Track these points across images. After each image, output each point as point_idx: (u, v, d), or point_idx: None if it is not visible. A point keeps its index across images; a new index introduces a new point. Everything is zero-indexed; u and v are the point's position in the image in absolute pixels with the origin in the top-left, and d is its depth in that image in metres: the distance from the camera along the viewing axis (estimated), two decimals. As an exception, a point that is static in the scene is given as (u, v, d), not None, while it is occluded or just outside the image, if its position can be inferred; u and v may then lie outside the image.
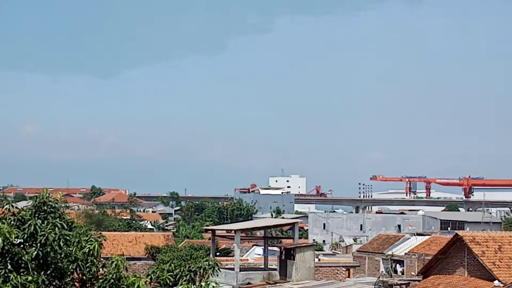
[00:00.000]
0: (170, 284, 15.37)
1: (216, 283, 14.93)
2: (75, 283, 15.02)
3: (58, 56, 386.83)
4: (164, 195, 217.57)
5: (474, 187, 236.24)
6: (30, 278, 13.74)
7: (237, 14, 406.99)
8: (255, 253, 62.86)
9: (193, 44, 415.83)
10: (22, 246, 14.47)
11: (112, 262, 14.62)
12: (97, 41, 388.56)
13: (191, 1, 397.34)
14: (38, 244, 14.13)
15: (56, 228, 14.26)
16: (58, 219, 14.64)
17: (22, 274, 13.87)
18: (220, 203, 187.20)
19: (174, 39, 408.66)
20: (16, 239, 14.26)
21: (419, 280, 44.16)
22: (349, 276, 51.98)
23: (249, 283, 35.22)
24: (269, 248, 42.80)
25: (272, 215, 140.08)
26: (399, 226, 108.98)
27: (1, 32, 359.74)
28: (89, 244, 14.86)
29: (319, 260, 52.20)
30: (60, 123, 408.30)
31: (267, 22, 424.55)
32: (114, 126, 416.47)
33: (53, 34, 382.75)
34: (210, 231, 44.45)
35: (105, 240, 15.48)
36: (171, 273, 15.46)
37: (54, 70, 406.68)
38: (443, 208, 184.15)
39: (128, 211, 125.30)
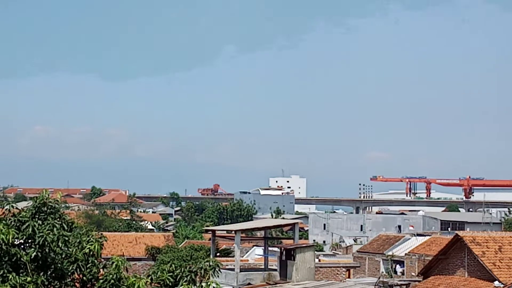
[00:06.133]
0: (171, 284, 15.36)
1: (217, 284, 14.93)
2: (76, 284, 15.01)
3: (67, 57, 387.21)
4: (164, 195, 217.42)
5: (474, 187, 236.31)
6: (29, 278, 13.72)
7: (251, 18, 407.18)
8: (255, 254, 62.76)
9: (194, 46, 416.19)
10: (22, 247, 14.46)
11: (113, 262, 14.61)
12: (106, 43, 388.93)
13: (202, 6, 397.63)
14: (37, 245, 14.12)
15: (55, 229, 14.23)
16: (58, 219, 14.62)
17: (21, 274, 13.87)
18: (220, 203, 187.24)
19: (179, 41, 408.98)
20: (16, 240, 14.26)
21: (419, 281, 44.15)
22: (349, 277, 51.93)
23: (249, 284, 35.21)
24: (269, 248, 42.79)
25: (272, 215, 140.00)
26: (399, 226, 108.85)
27: (12, 32, 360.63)
28: (89, 245, 14.85)
29: (319, 260, 52.12)
30: (64, 124, 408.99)
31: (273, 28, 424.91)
32: (115, 127, 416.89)
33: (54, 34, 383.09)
34: (210, 232, 44.43)
35: (106, 240, 15.46)
36: (172, 274, 15.45)
37: (61, 71, 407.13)
38: (443, 208, 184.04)
39: (128, 211, 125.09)
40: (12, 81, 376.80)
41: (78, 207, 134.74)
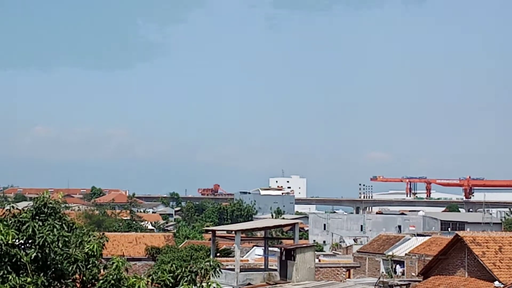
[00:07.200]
0: (171, 285, 15.36)
1: (217, 284, 14.92)
2: (76, 284, 15.00)
3: (67, 56, 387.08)
4: (164, 195, 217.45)
5: (475, 187, 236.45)
6: (29, 279, 13.71)
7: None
8: (256, 254, 62.74)
9: (193, 43, 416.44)
10: (23, 247, 14.45)
11: (113, 263, 14.61)
12: (106, 40, 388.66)
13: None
14: (37, 246, 14.10)
15: (55, 230, 14.22)
16: (58, 220, 14.60)
17: (21, 275, 13.86)
18: (220, 203, 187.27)
19: (176, 38, 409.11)
20: (16, 241, 14.24)
21: (419, 281, 44.16)
22: (349, 277, 51.94)
23: (249, 284, 35.20)
24: (270, 248, 42.74)
25: (272, 215, 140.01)
26: (399, 226, 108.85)
27: (10, 30, 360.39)
28: (89, 245, 14.84)
29: (319, 260, 52.12)
30: (64, 124, 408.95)
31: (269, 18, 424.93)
32: (115, 127, 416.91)
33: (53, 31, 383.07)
34: (210, 232, 44.41)
35: (107, 241, 15.46)
36: (172, 274, 15.45)
37: (61, 71, 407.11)
38: (443, 208, 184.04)
39: (128, 211, 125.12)
40: (12, 80, 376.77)
41: (78, 207, 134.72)
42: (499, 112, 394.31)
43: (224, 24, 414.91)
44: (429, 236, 67.19)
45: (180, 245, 73.41)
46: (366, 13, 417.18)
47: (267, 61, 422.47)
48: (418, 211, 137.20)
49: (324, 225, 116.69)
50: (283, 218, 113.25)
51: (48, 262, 14.32)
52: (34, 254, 14.04)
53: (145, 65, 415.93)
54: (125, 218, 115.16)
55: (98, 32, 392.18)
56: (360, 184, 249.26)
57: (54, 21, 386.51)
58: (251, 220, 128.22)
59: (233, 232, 38.26)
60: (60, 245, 14.20)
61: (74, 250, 14.71)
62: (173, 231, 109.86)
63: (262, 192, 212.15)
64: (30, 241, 14.29)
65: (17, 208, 14.91)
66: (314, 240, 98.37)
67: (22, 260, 13.99)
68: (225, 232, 46.36)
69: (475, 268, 38.74)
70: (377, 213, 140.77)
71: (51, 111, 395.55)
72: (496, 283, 36.59)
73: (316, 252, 45.81)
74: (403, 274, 57.64)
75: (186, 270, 15.49)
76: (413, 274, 53.82)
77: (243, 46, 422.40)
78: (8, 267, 13.84)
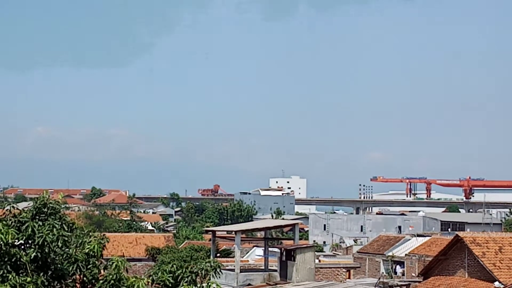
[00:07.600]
0: (171, 285, 15.36)
1: (218, 285, 14.91)
2: (76, 284, 15.01)
3: (66, 57, 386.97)
4: (165, 196, 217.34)
5: (475, 188, 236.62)
6: (29, 279, 13.72)
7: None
8: (256, 254, 62.74)
9: (193, 43, 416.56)
10: (23, 247, 14.46)
11: (113, 263, 14.61)
12: (105, 40, 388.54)
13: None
14: (37, 246, 14.11)
15: (55, 229, 14.22)
16: (58, 220, 14.61)
17: (21, 275, 13.87)
18: (220, 204, 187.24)
19: (177, 38, 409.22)
20: (16, 241, 14.26)
21: (419, 281, 44.17)
22: (349, 277, 51.91)
23: (249, 284, 35.21)
24: (270, 249, 42.74)
25: (272, 216, 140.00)
26: (399, 227, 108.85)
27: (10, 31, 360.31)
28: (89, 245, 14.85)
29: (319, 261, 52.10)
30: (64, 124, 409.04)
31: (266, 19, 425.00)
32: (115, 127, 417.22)
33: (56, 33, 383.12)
34: (210, 232, 44.42)
35: (108, 241, 15.47)
36: (172, 275, 15.45)
37: (61, 71, 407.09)
38: (443, 209, 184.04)
39: (128, 212, 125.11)
40: (12, 80, 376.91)
41: (78, 207, 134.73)
42: (499, 112, 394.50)
43: (224, 24, 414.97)
44: (429, 236, 67.12)
45: (180, 246, 73.41)
46: (364, 12, 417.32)
47: (266, 62, 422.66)
48: (418, 211, 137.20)
49: (324, 225, 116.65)
50: (283, 219, 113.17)
51: (48, 262, 14.34)
52: (34, 253, 14.05)
53: (145, 65, 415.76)
54: (125, 218, 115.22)
55: (98, 31, 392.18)
56: (360, 185, 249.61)
57: (54, 21, 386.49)
58: (251, 220, 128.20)
59: (233, 232, 38.25)
60: (60, 245, 14.20)
61: (74, 250, 14.72)
62: (173, 231, 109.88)
63: (262, 193, 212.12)
64: (30, 241, 14.30)
65: (17, 208, 14.93)
66: (314, 241, 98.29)
67: (22, 259, 14.00)
68: (225, 232, 46.38)
69: (475, 268, 38.75)
70: (377, 213, 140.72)
71: (51, 111, 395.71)
72: (496, 283, 36.60)
73: (316, 252, 45.79)
74: (403, 274, 57.64)
75: (187, 271, 15.49)
76: (413, 274, 53.82)
77: (243, 46, 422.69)
78: (8, 267, 13.86)
